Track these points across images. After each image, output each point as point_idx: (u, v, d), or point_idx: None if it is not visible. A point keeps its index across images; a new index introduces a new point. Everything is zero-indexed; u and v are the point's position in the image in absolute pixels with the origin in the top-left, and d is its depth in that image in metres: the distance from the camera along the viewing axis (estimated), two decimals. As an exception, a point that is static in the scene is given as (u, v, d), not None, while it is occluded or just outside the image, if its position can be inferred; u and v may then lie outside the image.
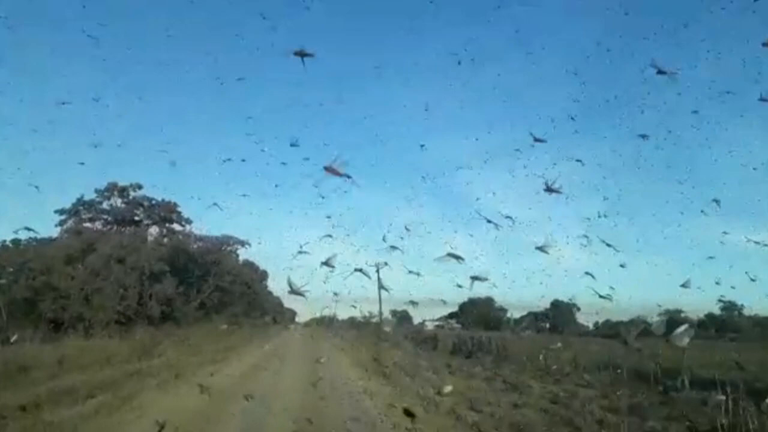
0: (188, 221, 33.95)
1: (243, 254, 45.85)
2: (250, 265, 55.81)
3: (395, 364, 17.58)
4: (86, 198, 31.77)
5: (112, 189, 31.67)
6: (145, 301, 28.12)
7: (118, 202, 32.13)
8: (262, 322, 52.76)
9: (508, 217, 10.36)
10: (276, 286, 55.40)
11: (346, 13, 69.54)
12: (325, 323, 77.03)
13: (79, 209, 31.92)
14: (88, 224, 32.04)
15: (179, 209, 33.69)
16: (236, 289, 48.36)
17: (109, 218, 31.91)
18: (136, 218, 32.51)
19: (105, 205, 32.23)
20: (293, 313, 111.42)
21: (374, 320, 56.70)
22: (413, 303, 13.86)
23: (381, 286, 15.18)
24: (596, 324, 70.51)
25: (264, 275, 61.09)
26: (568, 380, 16.27)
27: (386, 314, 60.32)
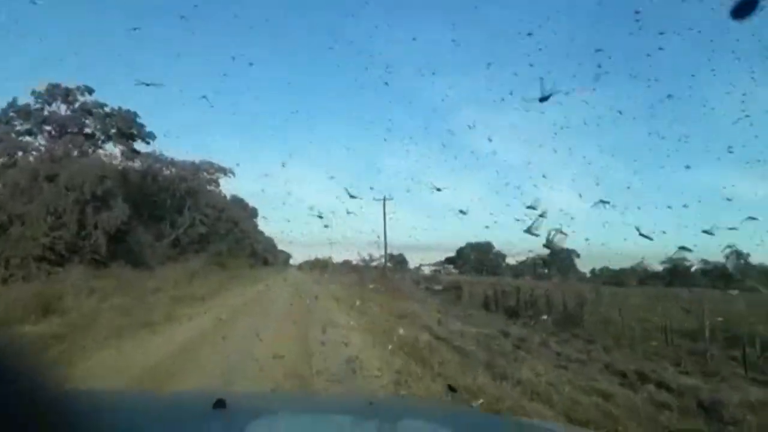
0: (152, 136, 26.35)
1: (226, 185, 38.56)
2: (238, 201, 48.81)
3: (437, 341, 10.56)
4: (20, 102, 24.02)
5: (52, 91, 23.86)
6: (89, 233, 20.99)
7: (62, 108, 24.38)
8: (249, 263, 46.06)
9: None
10: (268, 226, 48.79)
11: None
12: (320, 266, 71.67)
13: (11, 116, 24.21)
14: (27, 138, 24.43)
15: (142, 123, 26.01)
16: (220, 227, 41.48)
17: (53, 131, 24.25)
18: (87, 130, 24.87)
19: (46, 112, 24.48)
20: (287, 256, 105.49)
21: (374, 264, 50.61)
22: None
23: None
24: (593, 271, 66.81)
25: (254, 212, 54.14)
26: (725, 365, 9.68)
27: (378, 259, 54.58)
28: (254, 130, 67.32)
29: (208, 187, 35.91)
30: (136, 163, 28.78)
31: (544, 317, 15.39)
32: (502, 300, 19.62)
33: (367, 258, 50.28)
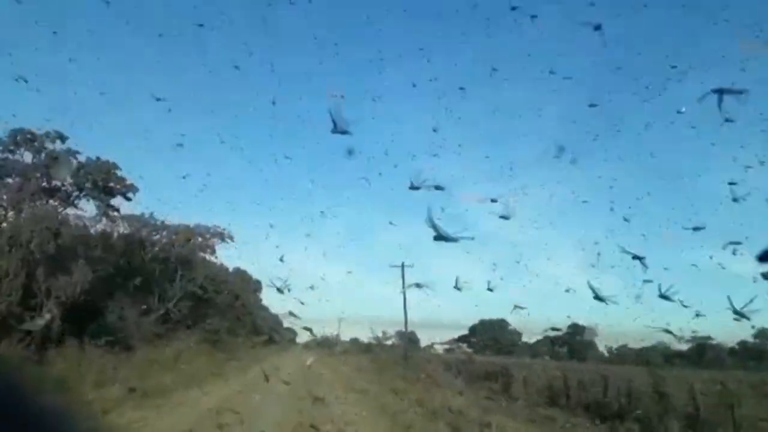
0: (134, 190, 21.96)
1: (227, 255, 33.82)
2: (241, 273, 43.89)
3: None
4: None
5: (14, 137, 19.79)
6: (39, 302, 16.04)
7: (26, 156, 20.21)
8: (250, 343, 40.32)
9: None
10: (272, 300, 43.80)
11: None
12: (328, 345, 65.46)
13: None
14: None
15: (121, 174, 21.71)
16: (218, 300, 36.26)
17: (15, 183, 19.92)
18: (55, 182, 20.55)
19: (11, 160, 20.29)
20: (292, 334, 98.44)
21: (389, 342, 44.67)
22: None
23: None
24: (610, 349, 61.64)
25: (257, 285, 48.94)
26: None
27: (392, 337, 48.41)
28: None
29: (206, 256, 31.10)
30: (120, 226, 24.27)
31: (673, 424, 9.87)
32: (579, 393, 14.08)
33: (379, 335, 44.73)
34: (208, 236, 30.39)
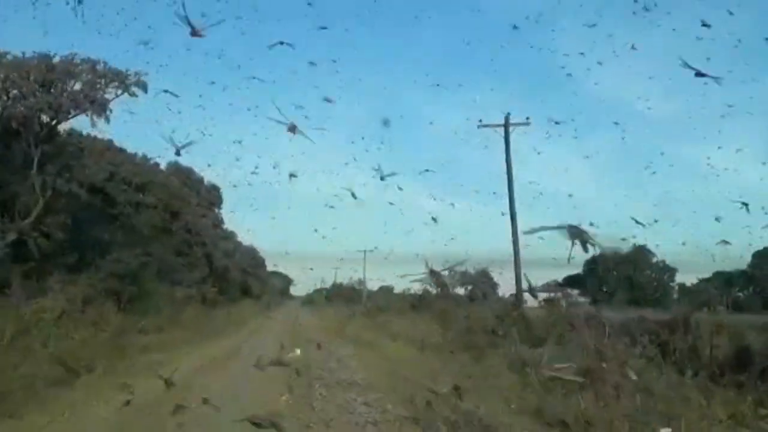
0: None
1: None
2: (180, 171, 34.95)
3: None
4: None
5: None
6: None
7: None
8: (197, 300, 31.92)
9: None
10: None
11: None
12: (346, 299, 58.45)
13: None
14: None
15: None
16: (139, 217, 27.82)
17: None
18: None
19: None
20: (284, 281, 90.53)
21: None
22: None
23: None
24: None
25: (215, 196, 40.08)
26: None
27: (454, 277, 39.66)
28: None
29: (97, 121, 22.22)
30: None
31: None
32: None
33: (443, 273, 35.61)
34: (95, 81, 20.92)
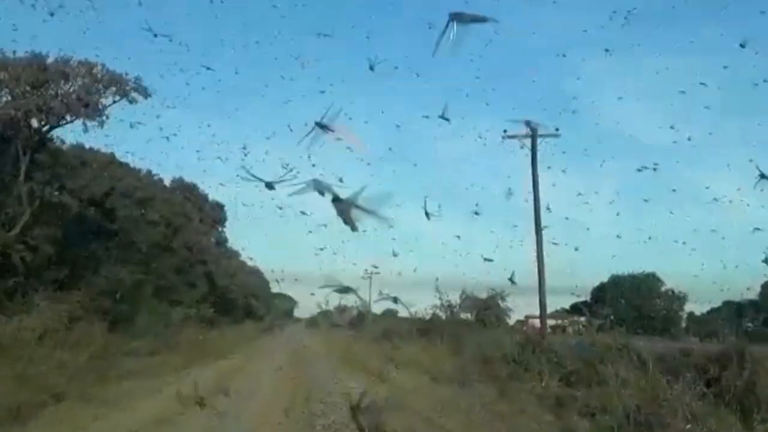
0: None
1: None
2: (182, 186, 33.63)
3: None
4: None
5: None
6: None
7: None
8: (195, 321, 30.30)
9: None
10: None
11: None
12: (348, 323, 57.78)
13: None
14: None
15: None
16: (139, 233, 26.57)
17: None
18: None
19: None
20: (289, 303, 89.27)
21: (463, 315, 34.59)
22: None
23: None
24: None
25: (218, 212, 38.66)
26: None
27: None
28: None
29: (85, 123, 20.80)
30: None
31: None
32: None
33: (445, 303, 34.23)
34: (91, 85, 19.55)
